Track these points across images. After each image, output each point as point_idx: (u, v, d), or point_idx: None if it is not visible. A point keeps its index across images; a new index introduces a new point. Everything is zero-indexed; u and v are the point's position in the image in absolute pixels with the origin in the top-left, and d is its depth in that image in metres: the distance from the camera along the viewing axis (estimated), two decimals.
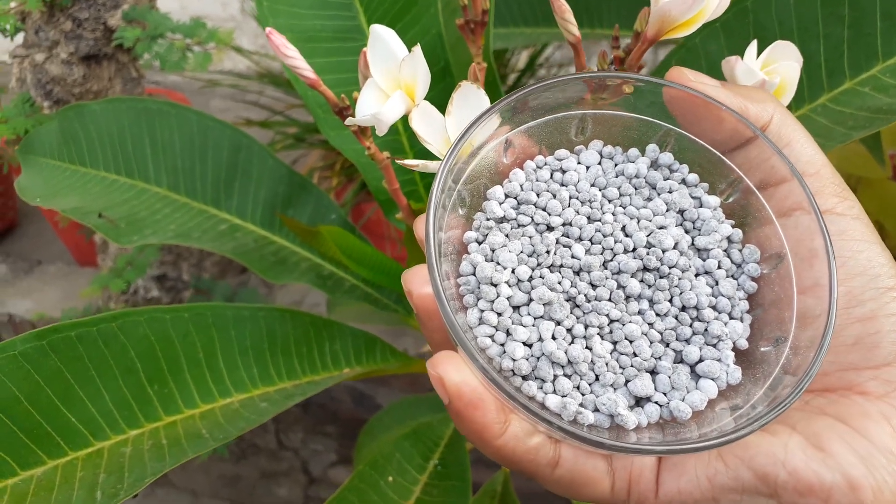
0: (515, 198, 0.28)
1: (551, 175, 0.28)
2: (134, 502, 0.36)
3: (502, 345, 0.25)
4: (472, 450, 0.59)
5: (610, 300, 0.26)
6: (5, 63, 0.91)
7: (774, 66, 0.33)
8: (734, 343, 0.26)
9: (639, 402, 0.25)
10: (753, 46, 0.33)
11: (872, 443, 0.23)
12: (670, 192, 0.28)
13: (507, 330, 0.25)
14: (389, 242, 1.05)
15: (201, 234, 0.56)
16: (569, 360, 0.25)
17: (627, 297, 0.26)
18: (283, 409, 0.45)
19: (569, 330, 0.25)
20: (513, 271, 0.26)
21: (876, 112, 0.39)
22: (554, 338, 0.25)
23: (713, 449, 0.24)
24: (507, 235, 0.27)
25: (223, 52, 1.01)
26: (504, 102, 0.27)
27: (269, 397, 0.46)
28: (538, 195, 0.28)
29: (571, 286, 0.26)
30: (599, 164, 0.29)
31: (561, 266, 0.26)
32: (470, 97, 0.32)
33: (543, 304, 0.25)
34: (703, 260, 0.27)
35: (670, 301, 0.26)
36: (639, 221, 0.27)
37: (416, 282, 0.25)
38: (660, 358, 0.25)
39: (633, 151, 0.29)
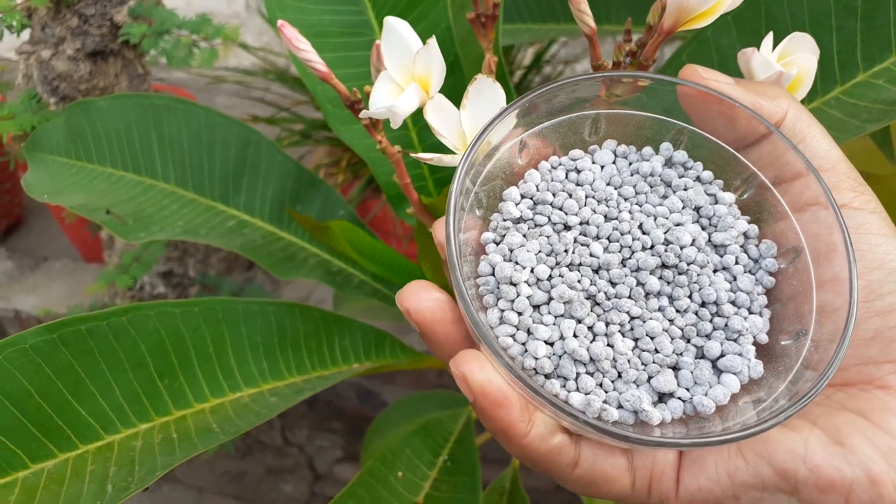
0: (531, 198, 0.28)
1: (566, 175, 0.28)
2: (139, 498, 0.36)
3: (523, 344, 0.25)
4: (481, 446, 0.59)
5: (630, 297, 0.26)
6: (12, 60, 0.91)
7: (791, 58, 0.33)
8: (754, 337, 0.26)
9: (661, 398, 0.25)
10: (769, 38, 0.33)
11: (893, 437, 0.23)
12: (685, 189, 0.28)
13: (528, 329, 0.25)
14: (395, 239, 1.05)
15: (209, 230, 0.56)
16: (591, 358, 0.25)
17: (647, 295, 0.26)
18: (293, 404, 0.45)
19: (590, 328, 0.25)
20: (532, 271, 0.26)
21: (890, 104, 0.39)
22: (575, 336, 0.25)
23: (733, 445, 0.24)
24: (524, 235, 0.27)
25: (229, 48, 1.01)
26: (521, 102, 0.27)
27: (279, 392, 0.46)
28: (554, 195, 0.28)
29: (591, 284, 0.26)
30: (614, 163, 0.29)
31: (580, 265, 0.26)
32: (485, 90, 0.32)
33: (564, 303, 0.25)
34: (721, 256, 0.27)
35: (690, 297, 0.26)
36: (655, 219, 0.27)
37: (413, 298, 0.25)
38: (681, 354, 0.25)
39: (648, 150, 0.29)
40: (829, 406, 0.25)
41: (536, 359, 0.24)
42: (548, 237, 0.27)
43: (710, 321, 0.26)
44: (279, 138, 1.11)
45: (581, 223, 0.27)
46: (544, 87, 0.27)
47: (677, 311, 0.26)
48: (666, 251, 0.26)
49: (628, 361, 0.25)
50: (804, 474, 0.23)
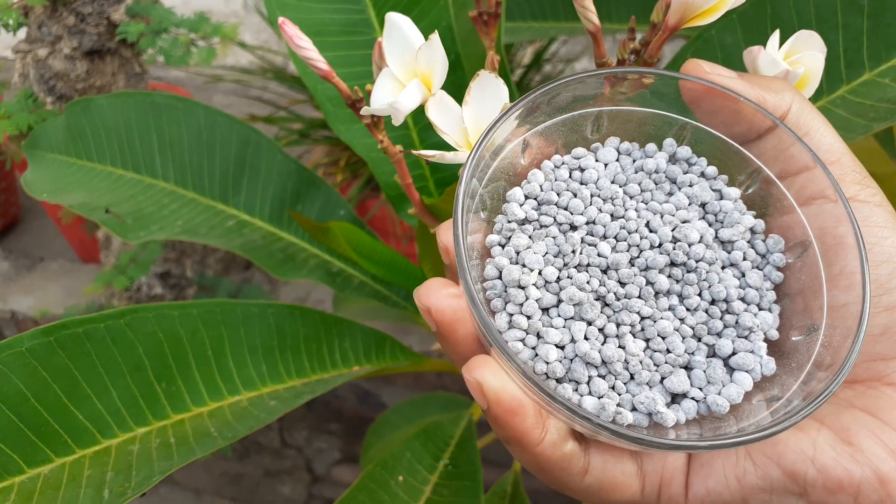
0: (536, 199, 0.27)
1: (570, 174, 0.28)
2: (136, 501, 0.35)
3: (534, 348, 0.24)
4: (482, 448, 0.58)
5: (640, 297, 0.25)
6: (8, 58, 0.90)
7: (798, 57, 0.33)
8: (765, 334, 0.25)
9: (675, 398, 0.25)
10: (776, 36, 0.33)
11: None
12: (691, 185, 0.27)
13: (538, 333, 0.24)
14: (395, 239, 1.05)
15: (209, 230, 0.55)
16: (603, 361, 0.24)
17: (657, 294, 0.25)
18: (292, 408, 0.44)
19: (600, 329, 0.25)
20: (539, 273, 0.25)
21: None
22: (586, 338, 0.24)
23: (742, 448, 0.23)
24: (530, 237, 0.26)
25: (227, 47, 1.00)
26: (526, 100, 0.27)
27: (279, 395, 0.46)
28: (559, 195, 0.27)
29: (600, 285, 0.25)
30: (617, 160, 0.28)
31: (588, 265, 0.26)
32: (488, 86, 0.32)
33: (573, 305, 0.25)
34: (728, 252, 0.27)
35: (699, 295, 0.26)
36: (662, 216, 0.27)
37: (433, 296, 0.24)
38: (693, 353, 0.25)
39: (651, 146, 0.28)
40: (837, 404, 0.25)
41: (548, 363, 0.24)
42: (554, 238, 0.26)
43: (721, 319, 0.25)
44: (277, 137, 1.11)
45: (587, 223, 0.26)
46: (548, 84, 0.27)
47: (687, 309, 0.25)
48: (674, 249, 0.26)
49: (640, 363, 0.24)
50: (813, 475, 0.23)
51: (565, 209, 0.27)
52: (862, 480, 0.22)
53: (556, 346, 0.24)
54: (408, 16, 0.50)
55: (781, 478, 0.23)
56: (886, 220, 0.26)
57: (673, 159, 0.28)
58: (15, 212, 1.32)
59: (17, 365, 0.38)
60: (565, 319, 0.25)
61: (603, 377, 0.24)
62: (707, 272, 0.26)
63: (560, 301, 0.25)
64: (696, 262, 0.26)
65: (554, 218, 0.27)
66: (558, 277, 0.25)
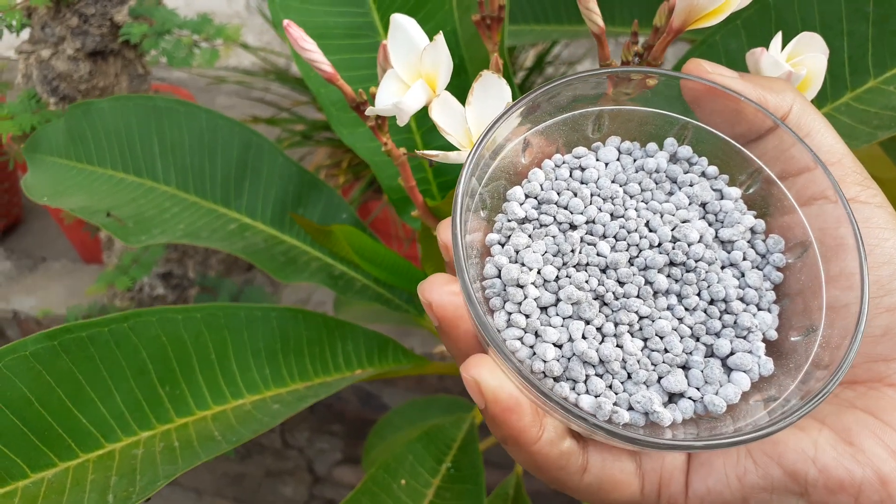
0: (536, 198, 0.27)
1: (570, 173, 0.28)
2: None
3: (532, 347, 0.24)
4: (484, 451, 0.58)
5: (638, 297, 0.25)
6: (11, 59, 0.90)
7: (800, 59, 0.33)
8: (764, 334, 0.25)
9: (672, 398, 0.25)
10: (778, 38, 0.32)
11: None
12: (691, 185, 0.27)
13: (536, 332, 0.25)
14: (397, 241, 1.05)
15: (210, 233, 0.55)
16: (600, 360, 0.24)
17: (655, 293, 0.25)
18: (296, 412, 0.44)
19: (598, 329, 0.25)
20: (538, 272, 0.25)
21: None
22: (584, 337, 0.24)
23: (742, 447, 0.23)
24: (530, 236, 0.26)
25: (230, 48, 1.00)
26: (526, 100, 0.27)
27: (282, 399, 0.46)
28: (559, 194, 0.27)
29: (599, 284, 0.25)
30: (618, 160, 0.28)
31: (587, 264, 0.26)
32: (491, 87, 0.32)
33: (572, 304, 0.25)
34: (728, 252, 0.27)
35: (698, 295, 0.26)
36: (662, 216, 0.27)
37: (436, 291, 0.25)
38: (691, 353, 0.25)
39: (652, 146, 0.28)
40: (838, 404, 0.25)
41: (545, 362, 0.24)
42: (554, 237, 0.26)
43: (720, 319, 0.25)
44: (279, 139, 1.11)
45: (587, 222, 0.27)
46: (549, 83, 0.27)
47: (686, 309, 0.25)
48: (674, 249, 0.26)
49: (638, 362, 0.24)
50: (814, 475, 0.23)
51: (565, 208, 0.27)
52: (863, 481, 0.22)
53: (554, 344, 0.24)
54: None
55: (782, 477, 0.23)
56: (887, 221, 0.26)
57: (674, 159, 0.28)
58: (17, 212, 1.32)
59: (20, 369, 0.38)
60: (563, 318, 0.25)
61: (600, 376, 0.24)
62: (706, 272, 0.26)
63: (558, 300, 0.25)
64: (696, 261, 0.26)
65: (554, 217, 0.27)
66: (557, 276, 0.25)
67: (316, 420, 1.14)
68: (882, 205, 0.26)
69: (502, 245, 0.26)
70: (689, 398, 0.24)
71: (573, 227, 0.27)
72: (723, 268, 0.26)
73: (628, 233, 0.26)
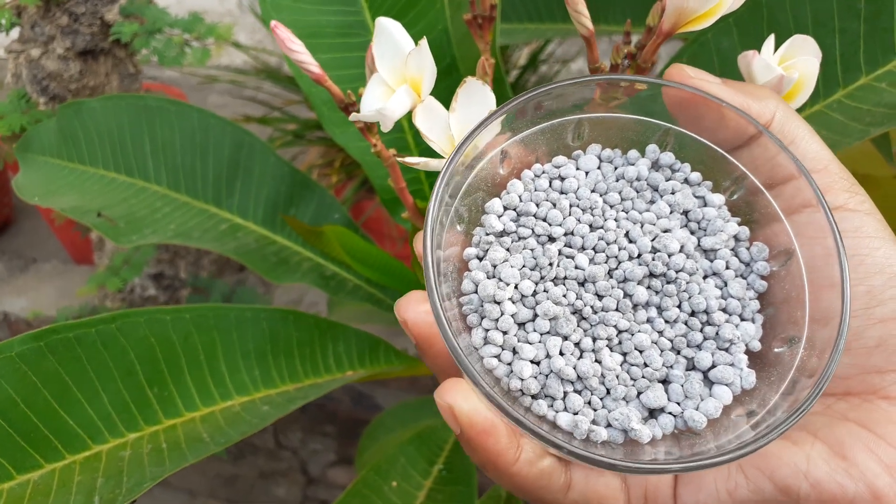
0: (515, 209, 0.27)
1: (550, 183, 0.28)
2: None
3: (509, 364, 0.24)
4: None
5: (617, 310, 0.25)
6: (0, 58, 0.89)
7: (793, 62, 0.32)
8: (747, 345, 0.25)
9: (652, 413, 0.24)
10: (771, 41, 0.32)
11: None
12: (673, 193, 0.27)
13: (514, 348, 0.24)
14: (390, 240, 1.05)
15: (202, 233, 0.55)
16: (578, 376, 0.24)
17: (635, 306, 0.25)
18: (285, 414, 0.44)
19: (576, 344, 0.24)
20: (516, 287, 0.25)
21: (893, 108, 0.38)
22: (562, 353, 0.24)
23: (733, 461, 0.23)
24: (508, 250, 0.26)
25: (221, 47, 1.00)
26: (503, 110, 0.26)
27: (271, 400, 0.45)
28: (538, 205, 0.27)
29: (577, 298, 0.25)
30: (599, 168, 0.28)
31: (565, 278, 0.25)
32: (475, 94, 0.31)
33: (549, 320, 0.24)
34: (711, 261, 0.26)
35: (679, 307, 0.25)
36: (642, 226, 0.26)
37: (411, 310, 0.24)
38: (671, 366, 0.25)
39: (633, 153, 0.28)
40: (831, 416, 0.24)
41: (522, 380, 0.24)
42: (532, 250, 0.26)
43: (701, 331, 0.25)
44: (272, 138, 1.10)
45: (566, 234, 0.26)
46: (528, 93, 0.26)
47: (666, 321, 0.25)
48: (653, 260, 0.25)
49: (617, 377, 0.24)
50: (806, 490, 0.22)
51: (544, 220, 0.26)
52: (856, 496, 0.22)
53: (532, 361, 0.24)
54: (404, 18, 0.50)
55: (774, 492, 0.23)
56: (877, 229, 0.25)
57: (656, 166, 0.28)
58: (8, 212, 1.31)
59: (6, 370, 0.38)
60: (541, 334, 0.24)
61: (579, 392, 0.24)
62: (687, 283, 0.25)
63: (536, 315, 0.25)
64: (676, 272, 0.25)
65: (532, 230, 0.26)
66: (535, 291, 0.25)
67: (308, 420, 1.13)
68: (871, 212, 0.26)
69: (480, 259, 0.26)
70: (670, 413, 0.24)
71: (552, 239, 0.26)
72: (705, 277, 0.26)
73: (607, 244, 0.26)
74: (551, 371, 0.24)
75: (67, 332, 0.40)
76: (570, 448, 0.22)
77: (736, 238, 0.27)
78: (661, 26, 0.31)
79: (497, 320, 0.24)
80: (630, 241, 0.26)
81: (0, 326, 1.14)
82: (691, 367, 0.25)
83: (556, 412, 0.24)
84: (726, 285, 0.26)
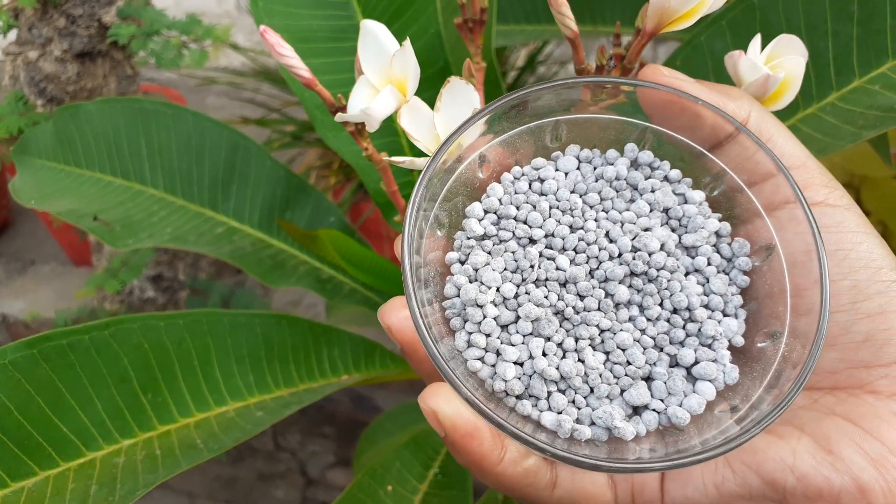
0: (495, 213, 0.27)
1: (530, 185, 0.28)
2: None
3: (493, 366, 0.24)
4: None
5: (599, 310, 0.25)
6: None
7: (779, 61, 0.32)
8: (729, 341, 0.25)
9: (636, 410, 0.25)
10: (757, 40, 0.32)
11: (883, 443, 0.23)
12: (653, 191, 0.27)
13: (497, 350, 0.24)
14: (389, 242, 1.05)
15: (198, 237, 0.55)
16: (561, 376, 0.24)
17: (616, 305, 0.25)
18: (280, 419, 0.44)
19: (559, 344, 0.25)
20: (498, 290, 0.25)
21: (887, 111, 0.38)
22: (545, 354, 0.24)
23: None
24: (489, 253, 0.26)
25: (219, 48, 1.00)
26: (478, 116, 0.26)
27: (266, 405, 0.45)
28: (518, 208, 0.27)
29: (559, 299, 0.25)
30: (578, 169, 0.28)
31: (546, 280, 0.25)
32: (459, 94, 0.31)
33: (531, 321, 0.25)
34: (692, 258, 0.26)
35: (661, 305, 0.25)
36: (623, 225, 0.26)
37: (394, 316, 0.25)
38: (654, 364, 0.25)
39: (612, 153, 0.28)
40: (818, 411, 0.24)
41: (506, 381, 0.24)
42: (513, 253, 0.26)
43: (683, 328, 0.25)
44: (270, 140, 1.10)
45: (546, 236, 0.26)
46: (507, 96, 0.26)
47: (648, 319, 0.25)
48: (634, 259, 0.25)
49: (600, 376, 0.24)
50: (792, 484, 0.23)
51: (524, 222, 0.27)
52: (842, 489, 0.22)
53: (515, 363, 0.24)
54: (397, 22, 0.50)
55: (760, 486, 0.23)
56: (858, 224, 0.25)
57: (635, 164, 0.28)
58: (6, 215, 1.32)
59: None
60: (524, 336, 0.25)
61: (563, 392, 0.24)
62: (668, 281, 0.25)
63: (518, 318, 0.25)
64: (658, 270, 0.25)
65: (513, 232, 0.26)
66: (516, 294, 0.25)
67: (307, 422, 1.14)
68: (850, 207, 0.26)
69: (462, 263, 0.26)
70: (654, 410, 0.24)
71: (532, 241, 0.26)
72: (687, 274, 0.26)
73: (588, 245, 0.26)
74: (534, 372, 0.24)
75: (61, 338, 0.40)
76: (552, 450, 0.22)
77: (717, 234, 0.27)
78: (645, 26, 0.31)
79: (480, 323, 0.25)
80: (610, 241, 0.26)
81: None
82: (674, 363, 0.25)
83: (541, 412, 0.24)
84: (708, 282, 0.26)
